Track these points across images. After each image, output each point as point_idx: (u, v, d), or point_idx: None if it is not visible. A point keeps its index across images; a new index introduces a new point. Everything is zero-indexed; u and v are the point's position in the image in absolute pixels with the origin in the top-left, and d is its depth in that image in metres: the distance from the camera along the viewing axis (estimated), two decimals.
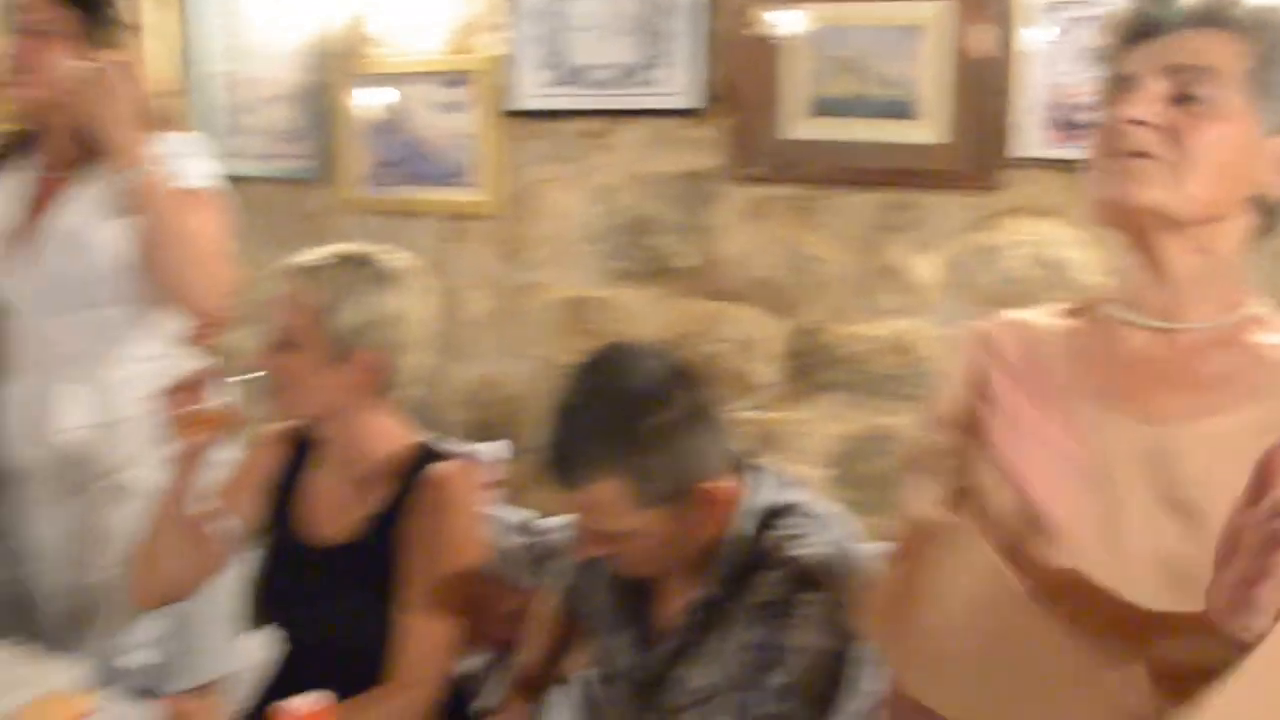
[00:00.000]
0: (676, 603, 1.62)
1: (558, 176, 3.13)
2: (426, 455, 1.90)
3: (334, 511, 1.92)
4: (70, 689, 1.86)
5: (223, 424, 1.88)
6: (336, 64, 3.45)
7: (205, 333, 2.19)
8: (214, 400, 1.86)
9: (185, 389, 1.86)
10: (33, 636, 2.16)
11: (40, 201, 2.24)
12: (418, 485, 1.87)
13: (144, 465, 2.24)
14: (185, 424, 1.87)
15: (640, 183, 3.01)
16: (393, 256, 1.89)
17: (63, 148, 2.23)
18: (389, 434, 1.92)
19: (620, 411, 1.50)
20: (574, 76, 3.06)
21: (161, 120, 2.22)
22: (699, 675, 1.57)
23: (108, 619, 2.29)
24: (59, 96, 2.16)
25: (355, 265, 1.85)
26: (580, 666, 1.88)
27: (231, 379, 1.86)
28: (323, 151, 3.53)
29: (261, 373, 1.85)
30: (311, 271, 1.84)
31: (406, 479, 1.88)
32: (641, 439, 1.49)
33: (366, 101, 3.43)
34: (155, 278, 2.14)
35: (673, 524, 1.53)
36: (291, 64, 3.55)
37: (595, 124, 3.06)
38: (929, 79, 2.63)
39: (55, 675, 1.90)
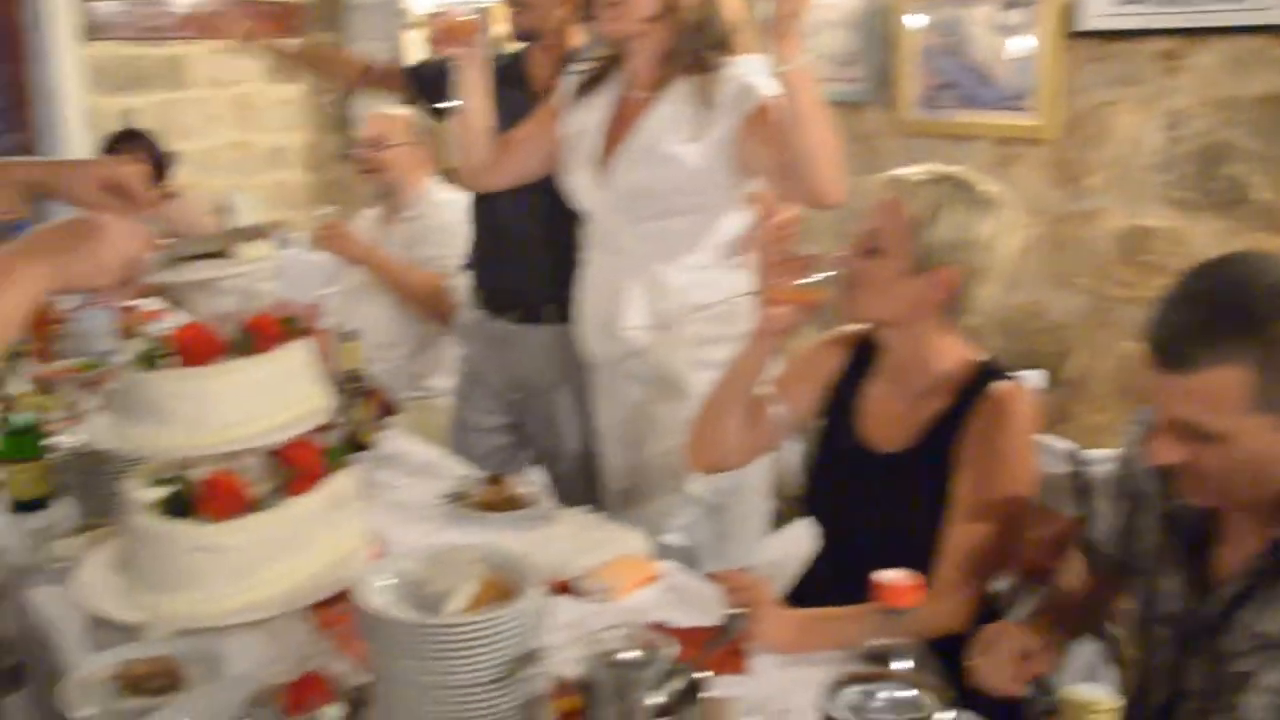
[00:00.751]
0: (1245, 545, 1.52)
1: (1123, 100, 2.99)
2: (988, 373, 1.92)
3: (890, 419, 1.98)
4: (640, 555, 2.05)
5: (812, 304, 1.97)
6: None
7: (778, 236, 2.28)
8: (808, 282, 1.94)
9: (787, 265, 1.96)
10: (600, 507, 2.41)
11: (622, 121, 2.42)
12: (978, 401, 1.88)
13: (692, 366, 2.40)
14: (777, 297, 1.98)
15: (1217, 107, 2.81)
16: (992, 185, 1.91)
17: (644, 71, 2.40)
18: (950, 351, 1.95)
19: (1258, 302, 1.40)
20: None
21: (741, 41, 2.34)
22: (1267, 621, 1.47)
23: (653, 500, 2.50)
24: (643, 26, 2.33)
25: (956, 186, 1.89)
26: (1113, 621, 1.83)
27: (815, 274, 1.95)
28: (877, 74, 3.58)
29: (837, 273, 1.93)
30: (914, 184, 1.90)
31: (965, 394, 1.90)
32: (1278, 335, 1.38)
33: (923, 24, 3.43)
34: (790, 164, 2.19)
35: (1271, 442, 1.41)
36: None
37: (1170, 43, 2.88)
38: None
39: (625, 541, 2.10)
